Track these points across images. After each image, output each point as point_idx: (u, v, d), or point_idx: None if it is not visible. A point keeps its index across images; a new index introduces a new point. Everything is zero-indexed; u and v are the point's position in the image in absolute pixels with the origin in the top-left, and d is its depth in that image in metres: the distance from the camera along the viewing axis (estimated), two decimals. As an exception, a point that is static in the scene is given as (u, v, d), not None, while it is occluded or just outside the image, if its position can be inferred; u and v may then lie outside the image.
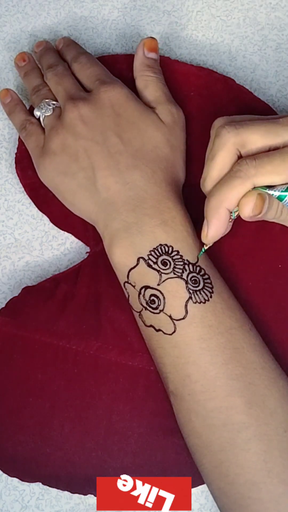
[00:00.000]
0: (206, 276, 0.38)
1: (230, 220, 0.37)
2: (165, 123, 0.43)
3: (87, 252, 0.45)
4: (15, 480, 0.41)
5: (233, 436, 0.35)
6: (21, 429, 0.40)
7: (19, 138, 0.47)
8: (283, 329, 0.41)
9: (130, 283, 0.38)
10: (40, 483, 0.40)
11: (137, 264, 0.38)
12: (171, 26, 0.52)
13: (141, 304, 0.38)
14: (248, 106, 0.46)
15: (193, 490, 0.41)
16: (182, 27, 0.52)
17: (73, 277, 0.43)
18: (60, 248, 0.46)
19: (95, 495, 0.40)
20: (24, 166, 0.46)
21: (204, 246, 0.38)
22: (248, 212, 0.35)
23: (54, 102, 0.45)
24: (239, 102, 0.46)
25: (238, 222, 0.43)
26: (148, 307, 0.38)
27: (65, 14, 0.52)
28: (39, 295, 0.43)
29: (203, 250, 0.38)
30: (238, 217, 0.43)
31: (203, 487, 0.41)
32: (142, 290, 0.38)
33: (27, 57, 0.49)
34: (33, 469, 0.40)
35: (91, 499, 0.41)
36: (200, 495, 0.42)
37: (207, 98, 0.46)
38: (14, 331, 0.42)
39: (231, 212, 0.36)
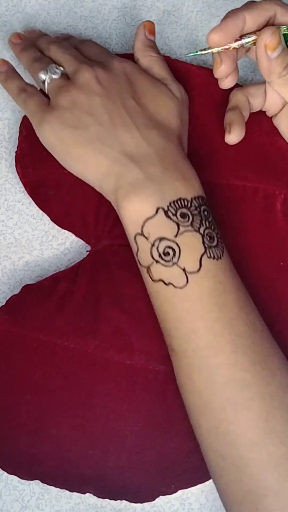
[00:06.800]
0: (219, 235, 0.39)
1: (240, 46, 0.40)
2: (177, 97, 0.44)
3: (87, 251, 0.45)
4: (15, 479, 0.41)
5: (235, 394, 0.35)
6: (18, 427, 0.40)
7: (19, 136, 0.47)
8: (286, 326, 0.41)
9: (143, 235, 0.38)
10: (40, 483, 0.40)
11: (155, 214, 0.38)
12: (171, 26, 0.52)
13: (153, 257, 0.37)
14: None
15: (193, 489, 0.41)
16: (182, 27, 0.52)
17: (73, 275, 0.43)
18: (60, 248, 0.46)
19: (93, 494, 0.40)
20: (25, 164, 0.46)
21: (200, 51, 0.41)
22: (267, 37, 0.38)
23: (61, 68, 0.44)
24: (239, 101, 0.46)
25: (240, 218, 0.44)
26: (160, 260, 0.37)
27: (65, 14, 0.52)
28: (39, 294, 0.43)
29: (197, 52, 0.41)
30: (240, 212, 0.44)
31: (203, 487, 0.41)
32: (157, 242, 0.37)
33: (23, 36, 0.49)
34: (30, 466, 0.40)
35: (91, 499, 0.41)
36: (200, 494, 0.41)
37: (207, 97, 0.46)
38: (13, 329, 0.42)
39: (241, 37, 0.39)
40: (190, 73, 0.47)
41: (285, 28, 0.39)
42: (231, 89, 0.47)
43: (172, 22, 0.52)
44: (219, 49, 0.40)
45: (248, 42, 0.40)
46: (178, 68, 0.48)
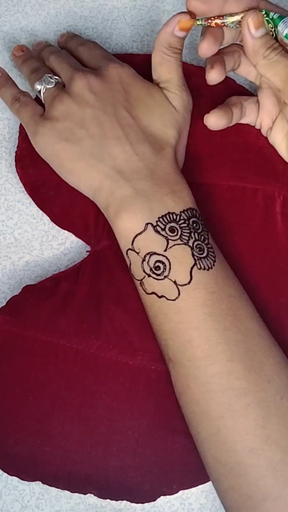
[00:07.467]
0: (209, 245, 0.39)
1: (222, 24, 0.39)
2: (174, 106, 0.43)
3: (87, 251, 0.45)
4: (15, 479, 0.41)
5: (232, 402, 0.35)
6: (21, 428, 0.40)
7: (19, 136, 0.47)
8: (285, 327, 0.41)
9: (134, 250, 0.38)
10: (40, 483, 0.40)
11: (144, 230, 0.38)
12: (171, 26, 0.52)
13: (144, 271, 0.38)
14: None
15: (193, 489, 0.41)
16: (182, 27, 0.52)
17: (74, 276, 0.43)
18: (60, 248, 0.46)
19: (95, 495, 0.40)
20: (24, 164, 0.46)
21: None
22: (251, 15, 0.38)
23: (56, 77, 0.45)
24: (239, 102, 0.46)
25: (239, 220, 0.44)
26: (151, 274, 0.38)
27: (65, 14, 0.52)
28: (40, 294, 0.43)
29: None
30: (240, 213, 0.44)
31: (203, 487, 0.41)
32: (147, 257, 0.38)
33: (25, 48, 0.50)
34: (32, 468, 0.40)
35: (91, 499, 0.41)
36: (200, 495, 0.42)
37: (207, 98, 0.46)
38: (15, 330, 0.41)
39: (222, 16, 0.39)
40: (190, 74, 0.47)
41: (264, 13, 0.39)
42: (230, 91, 0.47)
43: (172, 22, 0.52)
44: (203, 22, 0.40)
45: (231, 21, 0.39)
46: (178, 69, 0.48)
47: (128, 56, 0.49)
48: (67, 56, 0.46)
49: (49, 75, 0.45)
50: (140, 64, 0.46)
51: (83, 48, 0.47)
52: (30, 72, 0.47)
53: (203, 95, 0.47)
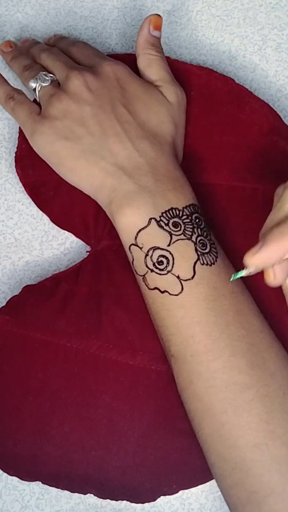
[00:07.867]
0: (212, 241, 0.39)
1: None
2: (170, 102, 0.43)
3: (87, 251, 0.45)
4: (15, 479, 0.41)
5: (235, 397, 0.35)
6: (21, 428, 0.40)
7: (19, 137, 0.47)
8: (286, 327, 0.41)
9: (137, 245, 0.38)
10: (40, 483, 0.40)
11: (148, 225, 0.38)
12: (171, 26, 0.52)
13: (147, 266, 0.38)
14: (248, 106, 0.46)
15: (193, 489, 0.41)
16: (182, 27, 0.52)
17: (74, 276, 0.43)
18: (60, 248, 0.46)
19: (95, 495, 0.40)
20: (24, 164, 0.46)
21: (244, 269, 0.33)
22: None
23: (51, 75, 0.45)
24: (239, 102, 0.46)
25: (240, 220, 0.44)
26: (154, 269, 0.38)
27: (65, 14, 0.52)
28: (40, 294, 0.43)
29: (239, 273, 0.34)
30: (240, 213, 0.43)
31: (203, 487, 0.41)
32: (150, 251, 0.38)
33: (13, 44, 0.49)
34: (32, 468, 0.40)
35: (91, 499, 0.41)
36: (200, 495, 0.42)
37: (207, 97, 0.46)
38: (15, 330, 0.41)
39: None
40: (190, 74, 0.47)
41: None
42: (230, 91, 0.47)
43: (172, 22, 0.52)
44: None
45: None
46: (178, 69, 0.48)
47: (126, 56, 0.48)
48: (60, 54, 0.46)
49: (44, 73, 0.45)
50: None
51: (74, 48, 0.47)
52: (23, 69, 0.46)
53: (202, 94, 0.47)
